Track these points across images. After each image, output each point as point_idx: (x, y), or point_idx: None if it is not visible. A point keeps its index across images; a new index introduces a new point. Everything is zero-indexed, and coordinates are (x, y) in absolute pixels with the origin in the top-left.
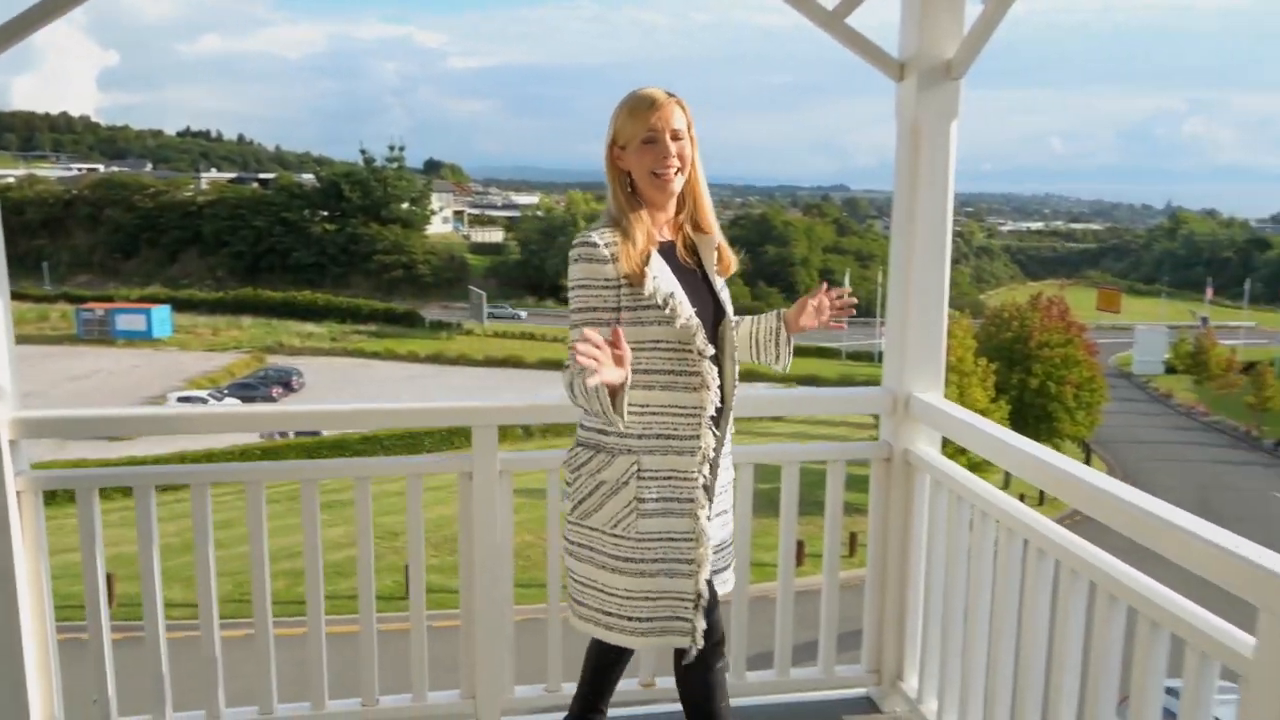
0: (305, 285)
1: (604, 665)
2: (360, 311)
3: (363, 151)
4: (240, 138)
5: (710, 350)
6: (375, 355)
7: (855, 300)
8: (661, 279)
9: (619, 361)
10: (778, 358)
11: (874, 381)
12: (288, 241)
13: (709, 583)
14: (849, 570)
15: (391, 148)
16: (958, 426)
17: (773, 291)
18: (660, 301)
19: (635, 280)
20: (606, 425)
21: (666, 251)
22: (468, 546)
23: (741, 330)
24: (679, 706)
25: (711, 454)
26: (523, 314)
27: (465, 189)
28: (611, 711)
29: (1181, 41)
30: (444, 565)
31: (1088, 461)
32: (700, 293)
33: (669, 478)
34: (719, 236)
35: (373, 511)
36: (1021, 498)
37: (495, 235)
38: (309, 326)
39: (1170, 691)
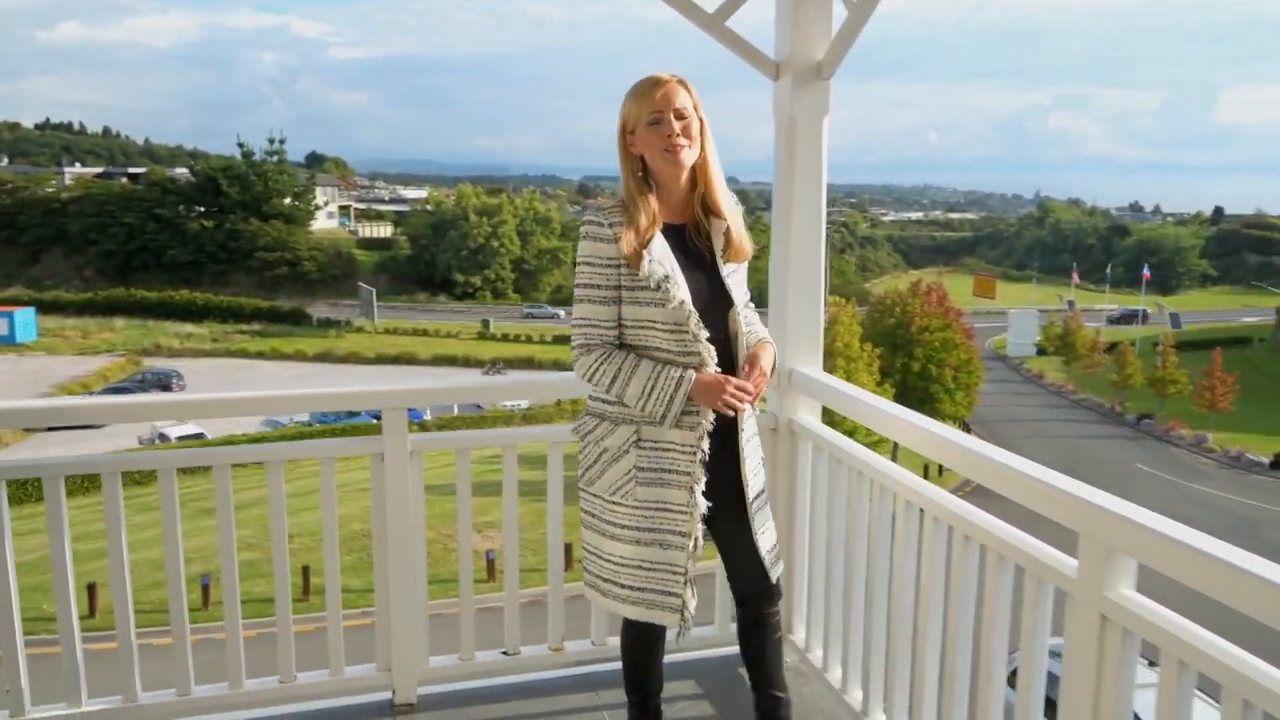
0: (182, 284)
1: (637, 658)
2: (243, 310)
3: (240, 145)
4: (106, 130)
5: (705, 333)
6: (260, 355)
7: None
8: (659, 262)
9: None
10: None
11: None
12: (162, 239)
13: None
14: None
15: (271, 141)
16: (833, 395)
17: None
18: (653, 285)
19: (632, 262)
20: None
21: (677, 234)
22: (381, 525)
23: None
24: (588, 669)
25: (710, 428)
26: (561, 313)
27: (350, 183)
28: (524, 676)
29: (1048, 39)
30: (343, 565)
31: None
32: (703, 277)
33: (667, 449)
34: (730, 220)
35: (269, 510)
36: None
37: (384, 230)
38: (188, 327)
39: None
